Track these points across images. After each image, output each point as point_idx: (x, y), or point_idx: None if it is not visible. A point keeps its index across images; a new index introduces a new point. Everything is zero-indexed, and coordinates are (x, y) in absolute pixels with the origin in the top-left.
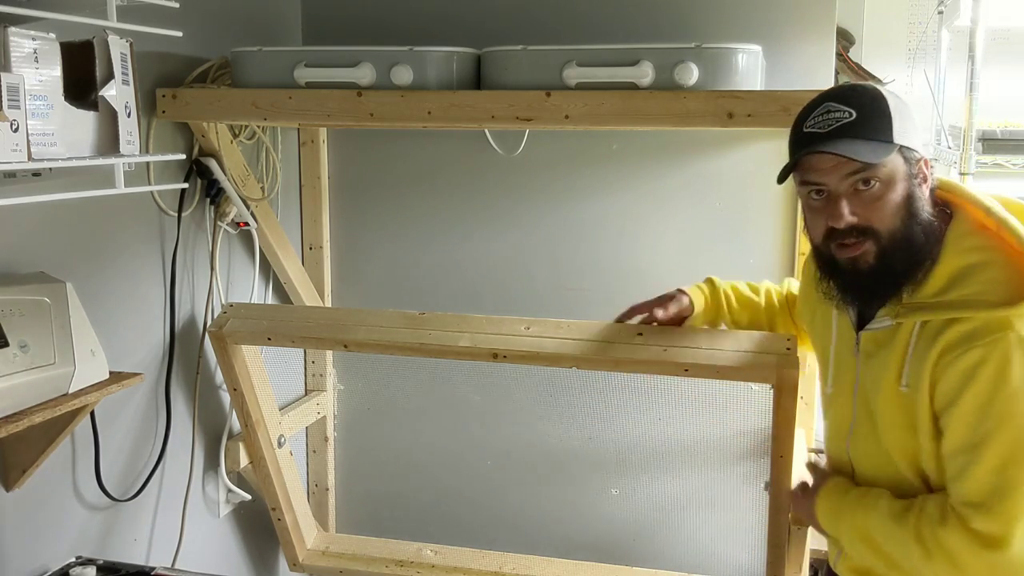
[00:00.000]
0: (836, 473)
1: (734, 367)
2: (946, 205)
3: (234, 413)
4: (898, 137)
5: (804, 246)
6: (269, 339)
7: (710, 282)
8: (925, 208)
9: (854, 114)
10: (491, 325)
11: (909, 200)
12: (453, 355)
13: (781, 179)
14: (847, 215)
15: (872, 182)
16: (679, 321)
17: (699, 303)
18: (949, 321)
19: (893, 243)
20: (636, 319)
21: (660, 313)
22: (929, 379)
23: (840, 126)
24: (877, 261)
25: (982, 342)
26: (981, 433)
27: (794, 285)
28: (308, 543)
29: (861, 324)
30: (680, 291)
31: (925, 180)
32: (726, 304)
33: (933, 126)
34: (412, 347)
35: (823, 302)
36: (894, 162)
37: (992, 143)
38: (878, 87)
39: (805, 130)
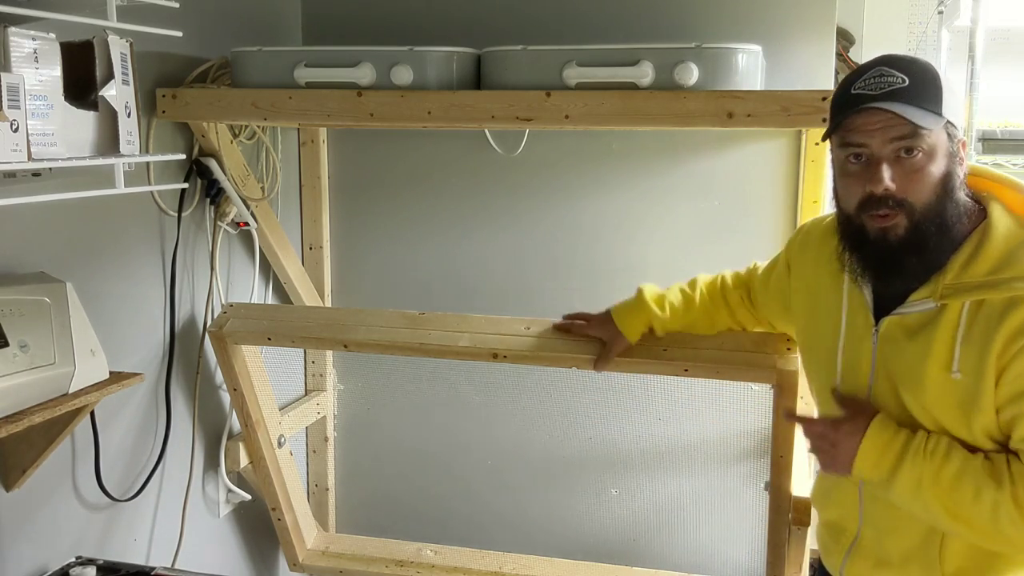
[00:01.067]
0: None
1: (734, 367)
2: (980, 190)
3: (234, 413)
4: (946, 111)
5: None
6: (269, 339)
7: (640, 299)
8: (962, 189)
9: (907, 80)
10: (491, 325)
11: (948, 177)
12: (453, 355)
13: (825, 138)
14: (887, 180)
15: (915, 151)
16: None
17: (633, 337)
18: (1011, 303)
19: (926, 218)
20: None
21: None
22: (995, 365)
23: (892, 90)
24: (907, 234)
25: None
26: None
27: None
28: (308, 543)
29: (881, 310)
30: (612, 321)
31: (962, 162)
32: (659, 324)
33: None
34: (412, 347)
35: (830, 290)
36: (939, 135)
37: (992, 143)
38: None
39: (854, 91)
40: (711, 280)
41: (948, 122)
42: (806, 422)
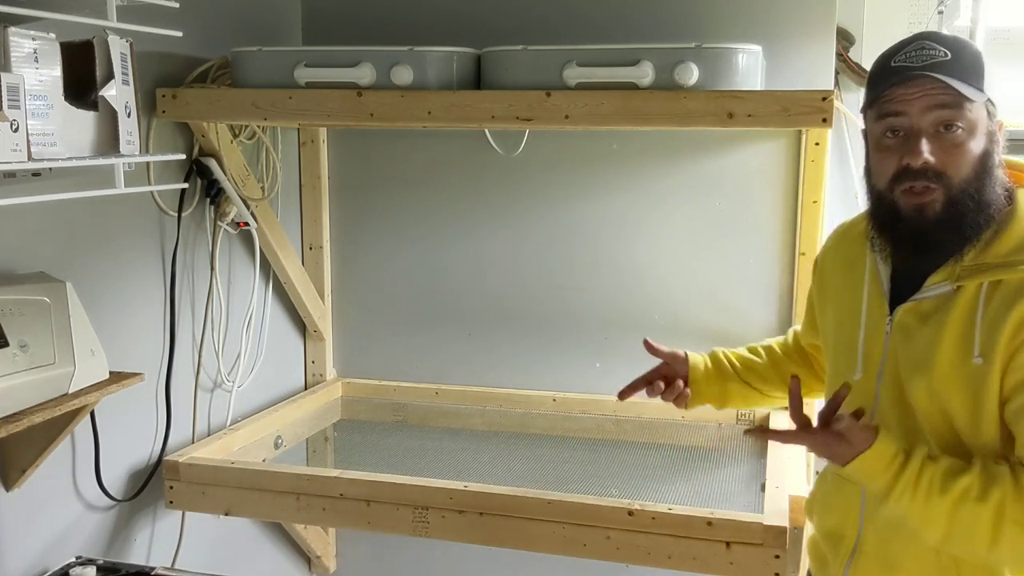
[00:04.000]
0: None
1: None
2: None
3: (233, 411)
4: (987, 88)
5: (804, 246)
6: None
7: (712, 353)
8: (999, 169)
9: (949, 55)
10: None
11: (986, 156)
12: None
13: (863, 110)
14: (926, 152)
15: (954, 127)
16: (679, 377)
17: (699, 369)
18: None
19: (964, 194)
20: (637, 394)
21: (660, 384)
22: (1004, 350)
23: (935, 62)
24: (944, 210)
25: None
26: None
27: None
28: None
29: (897, 301)
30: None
31: (999, 143)
32: (731, 368)
33: None
34: None
35: (852, 286)
36: (980, 111)
37: None
38: None
39: (894, 64)
40: (782, 340)
41: (988, 99)
42: (827, 415)
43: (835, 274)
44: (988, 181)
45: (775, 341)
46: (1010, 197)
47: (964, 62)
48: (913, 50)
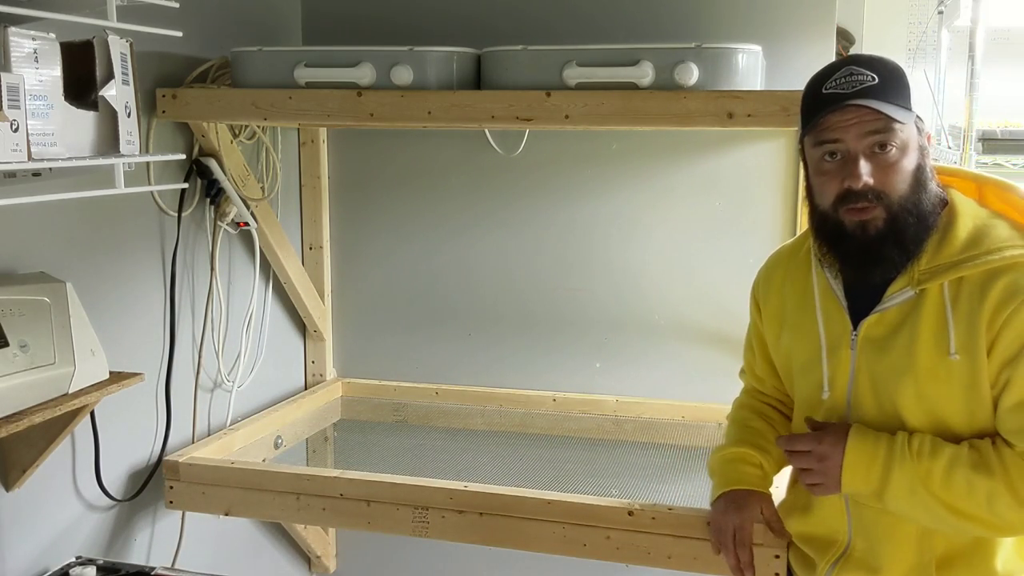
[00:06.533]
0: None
1: None
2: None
3: (233, 411)
4: (914, 106)
5: None
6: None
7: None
8: (932, 179)
9: (876, 79)
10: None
11: (919, 170)
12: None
13: (801, 139)
14: (865, 175)
15: (888, 147)
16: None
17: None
18: (989, 275)
19: (904, 209)
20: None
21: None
22: (985, 340)
23: (864, 88)
24: (886, 226)
25: None
26: None
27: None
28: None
29: (857, 316)
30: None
31: (928, 154)
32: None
33: (933, 126)
34: None
35: (802, 306)
36: (910, 129)
37: (992, 143)
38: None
39: (825, 91)
40: (747, 396)
41: (917, 116)
42: (790, 440)
43: (788, 299)
44: (924, 194)
45: (744, 412)
46: (945, 201)
47: (891, 84)
48: (842, 76)
